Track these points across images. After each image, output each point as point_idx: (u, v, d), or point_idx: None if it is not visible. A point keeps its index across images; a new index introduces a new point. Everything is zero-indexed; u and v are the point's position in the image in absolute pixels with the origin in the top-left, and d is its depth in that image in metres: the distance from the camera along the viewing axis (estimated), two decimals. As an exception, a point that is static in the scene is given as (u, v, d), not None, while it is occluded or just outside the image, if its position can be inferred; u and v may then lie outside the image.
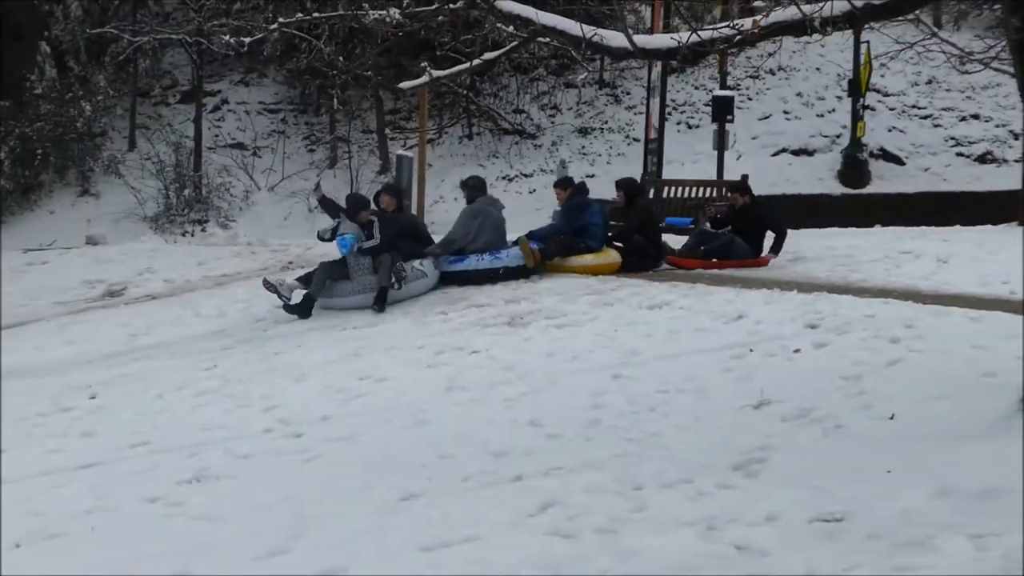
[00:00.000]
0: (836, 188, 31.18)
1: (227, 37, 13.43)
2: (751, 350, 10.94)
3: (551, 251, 16.24)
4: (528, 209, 30.46)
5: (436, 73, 13.88)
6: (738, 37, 8.56)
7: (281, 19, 12.95)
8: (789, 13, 8.39)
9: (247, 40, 12.69)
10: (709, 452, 7.98)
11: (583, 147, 34.39)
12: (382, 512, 7.40)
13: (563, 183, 17.58)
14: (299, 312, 15.23)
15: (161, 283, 19.39)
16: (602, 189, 30.75)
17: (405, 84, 16.86)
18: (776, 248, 16.95)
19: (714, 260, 16.71)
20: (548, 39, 11.50)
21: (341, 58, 31.73)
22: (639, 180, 18.92)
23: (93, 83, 35.65)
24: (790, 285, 13.98)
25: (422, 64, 18.51)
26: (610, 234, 16.96)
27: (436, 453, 8.71)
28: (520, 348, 12.18)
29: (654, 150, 27.06)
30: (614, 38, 9.35)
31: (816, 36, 8.35)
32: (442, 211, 30.84)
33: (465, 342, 12.66)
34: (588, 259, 16.34)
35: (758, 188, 18.97)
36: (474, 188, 17.10)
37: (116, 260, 21.31)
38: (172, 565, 6.67)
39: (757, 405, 9.06)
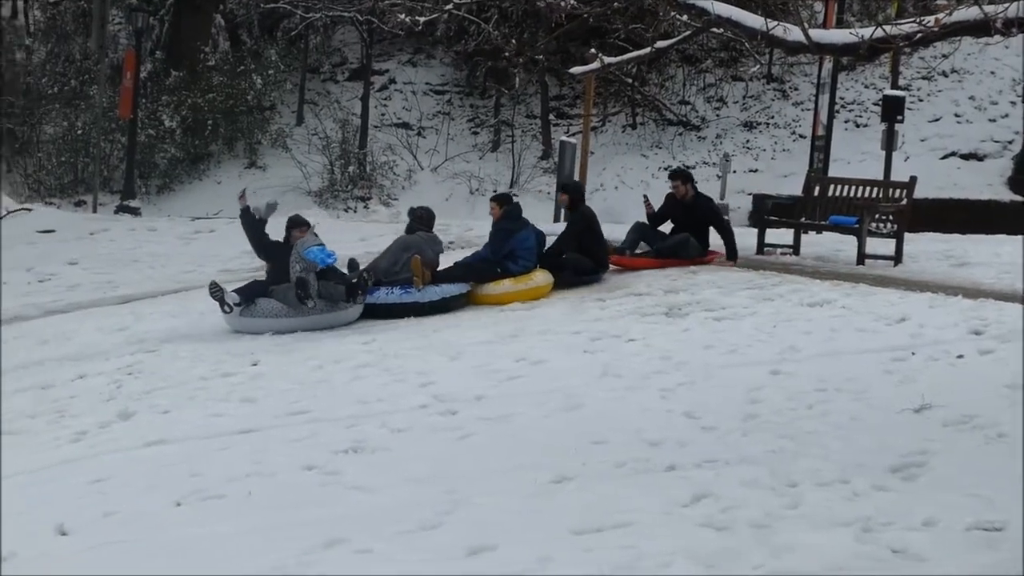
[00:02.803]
0: (1005, 195, 30.47)
1: (403, 16, 13.53)
2: (913, 353, 10.79)
3: (467, 279, 15.40)
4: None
5: (608, 60, 13.85)
6: (919, 35, 8.43)
7: (455, 0, 13.03)
8: (971, 13, 8.24)
9: (422, 20, 12.79)
10: (867, 453, 7.88)
11: (747, 141, 34.11)
12: (534, 493, 7.43)
13: (498, 199, 16.60)
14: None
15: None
16: (766, 184, 30.60)
17: (576, 69, 16.81)
18: (730, 252, 16.64)
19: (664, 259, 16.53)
20: (722, 30, 11.41)
21: (514, 40, 31.83)
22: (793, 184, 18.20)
23: (264, 57, 36.21)
24: (955, 290, 13.73)
25: (590, 51, 18.46)
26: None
27: (589, 438, 8.72)
28: (677, 338, 12.14)
29: (821, 147, 26.79)
30: (789, 32, 9.28)
31: (997, 38, 8.20)
32: (600, 199, 30.82)
33: (622, 330, 12.65)
34: (506, 285, 15.37)
35: (925, 191, 18.56)
36: (419, 219, 16.06)
37: (281, 232, 21.60)
38: (325, 533, 6.74)
39: (918, 409, 8.92)
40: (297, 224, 15.18)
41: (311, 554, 6.38)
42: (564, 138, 27.02)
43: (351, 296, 14.46)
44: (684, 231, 16.72)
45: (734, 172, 30.76)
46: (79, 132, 34.54)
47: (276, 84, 36.66)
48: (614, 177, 33.16)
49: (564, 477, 7.72)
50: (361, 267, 15.25)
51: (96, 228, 23.84)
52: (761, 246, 18.09)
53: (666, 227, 17.18)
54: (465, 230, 21.84)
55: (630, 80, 35.57)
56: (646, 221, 17.32)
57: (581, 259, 15.95)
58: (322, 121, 35.57)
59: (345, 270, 15.10)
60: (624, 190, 32.60)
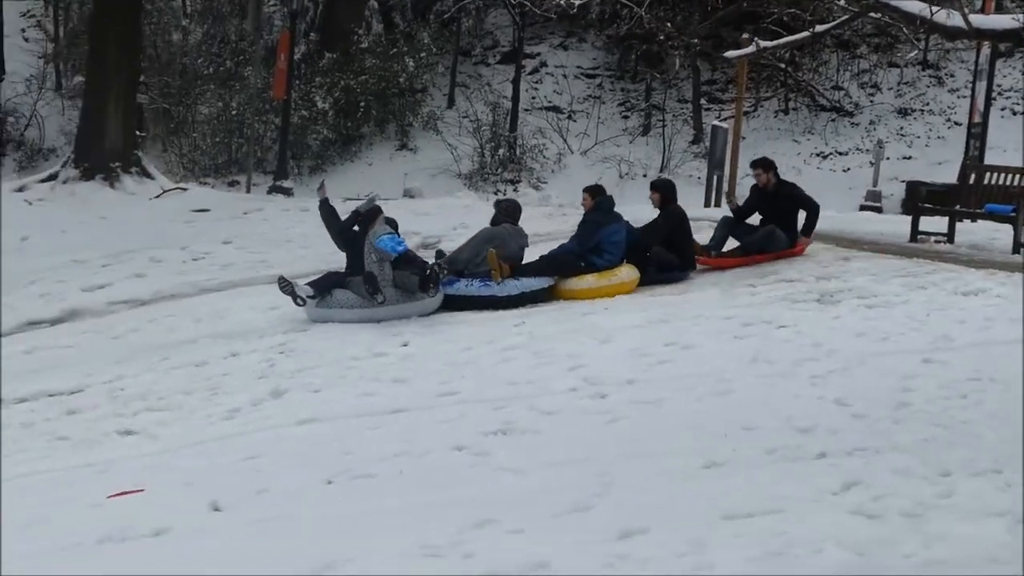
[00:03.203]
0: None
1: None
2: (1070, 343, 10.59)
3: (550, 272, 15.15)
4: (841, 187, 30.05)
5: (764, 44, 13.78)
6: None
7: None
8: None
9: (576, 3, 12.80)
10: (1021, 443, 7.75)
11: (901, 128, 33.64)
12: (685, 478, 7.41)
13: (590, 190, 16.14)
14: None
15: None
16: (919, 172, 30.18)
17: (731, 53, 16.76)
18: (808, 229, 16.11)
19: (751, 255, 16.03)
20: (880, 15, 11.29)
21: (668, 24, 31.73)
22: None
23: (417, 40, 36.44)
24: (1120, 282, 13.45)
25: (743, 35, 18.45)
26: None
27: (740, 424, 8.67)
28: (829, 325, 12.01)
29: (977, 135, 26.30)
30: (950, 16, 9.14)
31: None
32: (750, 185, 30.62)
33: (773, 316, 12.55)
34: (588, 280, 15.10)
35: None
36: (505, 211, 15.74)
37: (432, 213, 21.75)
38: (476, 513, 6.78)
39: (1076, 400, 8.77)
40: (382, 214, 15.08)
41: (463, 533, 6.42)
42: (716, 123, 26.93)
43: (424, 287, 14.19)
44: (770, 222, 16.24)
45: (887, 159, 30.35)
46: (233, 113, 34.99)
47: (428, 67, 36.89)
48: (765, 163, 32.89)
49: (714, 462, 7.69)
50: (437, 258, 15.03)
51: (250, 208, 24.15)
52: (915, 234, 17.80)
53: (755, 219, 16.72)
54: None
55: (783, 65, 35.26)
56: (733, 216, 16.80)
57: (666, 256, 15.66)
58: (473, 104, 35.76)
59: (432, 259, 15.01)
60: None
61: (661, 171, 33.30)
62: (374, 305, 14.22)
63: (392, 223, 15.08)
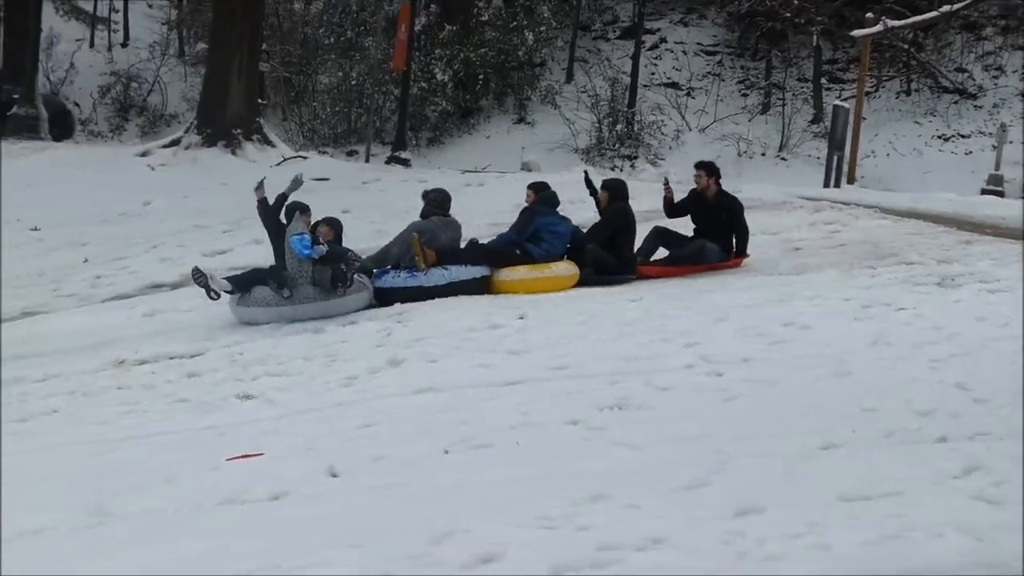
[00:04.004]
0: None
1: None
2: None
3: (483, 262, 14.81)
4: (963, 171, 29.70)
5: (892, 23, 13.62)
6: None
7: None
8: None
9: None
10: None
11: (1026, 111, 33.20)
12: (802, 458, 7.37)
13: (534, 186, 15.87)
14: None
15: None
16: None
17: (858, 32, 16.57)
18: (741, 250, 15.54)
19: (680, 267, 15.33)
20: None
21: (795, 1, 31.47)
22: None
23: (537, 14, 36.44)
24: None
25: (867, 15, 18.24)
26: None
27: (858, 405, 8.59)
28: (949, 309, 11.88)
29: (1102, 119, 25.90)
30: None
31: None
32: (871, 166, 30.35)
33: (892, 298, 12.43)
34: (521, 272, 14.71)
35: None
36: (434, 203, 15.28)
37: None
38: (592, 486, 6.80)
39: None
40: (300, 210, 14.50)
41: (578, 506, 6.44)
42: (837, 102, 26.68)
43: (333, 284, 13.83)
44: (703, 230, 15.60)
45: (1010, 143, 29.95)
46: (353, 83, 35.24)
47: (547, 41, 36.89)
48: (886, 144, 32.61)
49: (832, 443, 7.64)
50: (352, 257, 14.49)
51: (368, 178, 24.33)
52: (1038, 219, 17.58)
53: (687, 225, 16.11)
54: (734, 191, 21.62)
55: (906, 46, 34.84)
56: (663, 208, 16.35)
57: (603, 256, 15.05)
58: (592, 79, 35.73)
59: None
60: (896, 157, 32.06)
61: (780, 150, 33.11)
62: (284, 303, 13.88)
63: (336, 224, 14.97)
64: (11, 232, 20.97)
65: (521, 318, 12.66)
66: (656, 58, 37.76)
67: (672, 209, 16.16)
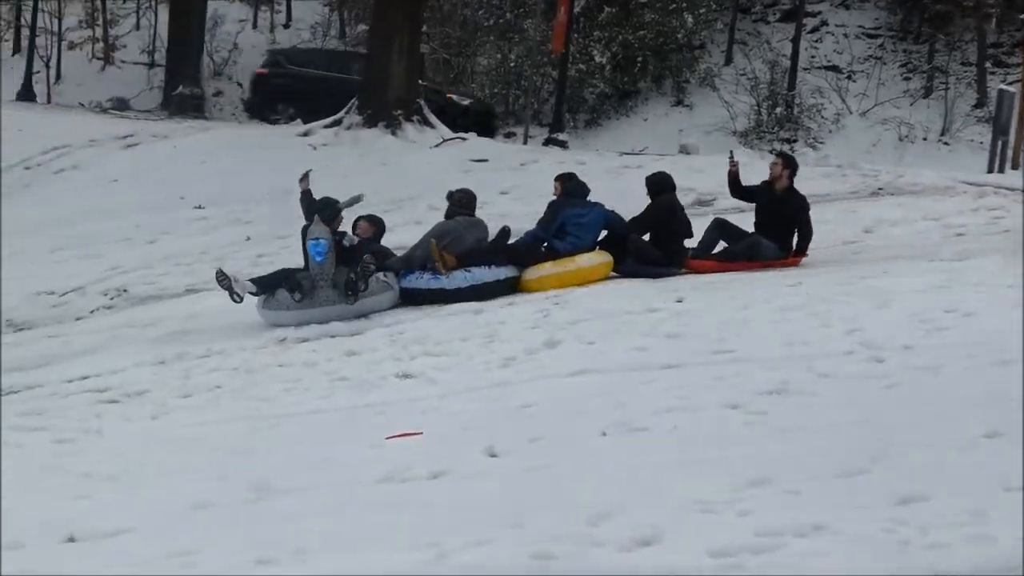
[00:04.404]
0: None
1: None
2: None
3: (507, 262, 14.48)
4: None
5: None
6: None
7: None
8: None
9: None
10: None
11: None
12: (965, 447, 7.23)
13: (560, 177, 15.41)
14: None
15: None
16: None
17: (1027, 14, 16.15)
18: (802, 248, 15.00)
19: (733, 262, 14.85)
20: None
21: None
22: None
23: (697, -4, 36.22)
24: None
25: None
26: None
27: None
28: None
29: None
30: None
31: None
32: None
33: (1060, 287, 12.19)
34: (546, 268, 14.38)
35: None
36: (459, 203, 14.95)
37: (707, 171, 21.60)
38: (751, 471, 6.75)
39: None
40: (321, 214, 14.37)
41: (737, 491, 6.40)
42: (1002, 86, 26.18)
43: (346, 293, 13.68)
44: (763, 224, 15.09)
45: None
46: (511, 65, 35.35)
47: (707, 23, 36.68)
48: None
49: (996, 432, 7.48)
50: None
51: (526, 159, 24.40)
52: None
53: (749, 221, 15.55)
54: (896, 176, 21.36)
55: (1076, 28, 34.10)
56: (728, 184, 15.82)
57: (646, 247, 14.75)
58: (751, 61, 35.45)
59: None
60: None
61: (942, 135, 32.58)
62: (298, 306, 13.77)
63: (378, 223, 15.06)
64: (176, 210, 21.42)
65: (679, 301, 12.61)
66: (816, 41, 37.35)
67: (737, 187, 15.72)
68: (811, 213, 15.10)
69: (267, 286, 14.06)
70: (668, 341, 11.00)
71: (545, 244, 14.71)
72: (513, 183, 21.58)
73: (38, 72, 36.87)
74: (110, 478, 8.52)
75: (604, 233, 14.90)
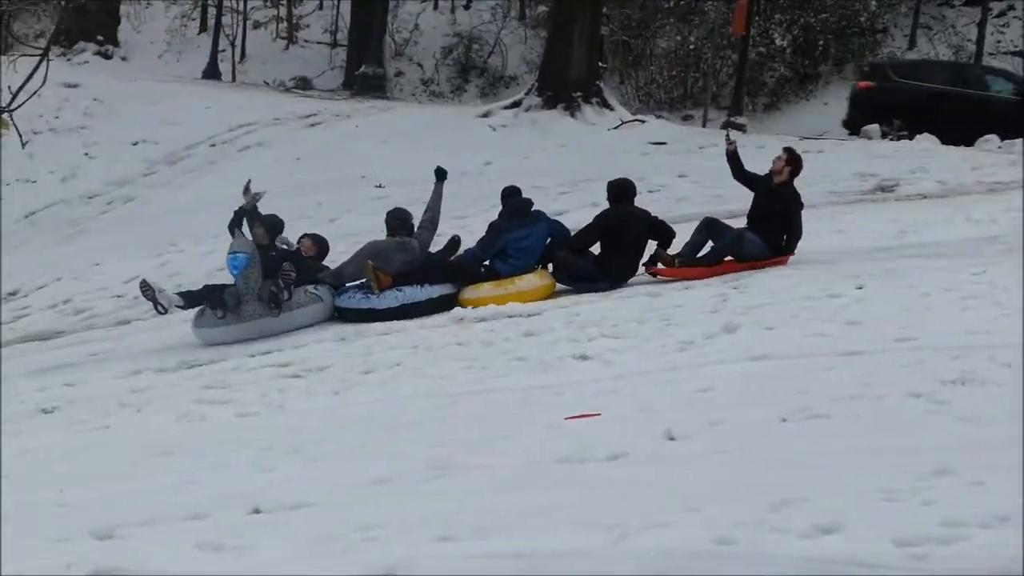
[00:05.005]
0: None
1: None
2: None
3: (445, 280, 14.30)
4: None
5: None
6: None
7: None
8: None
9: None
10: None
11: None
12: None
13: (504, 192, 14.93)
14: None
15: (933, 183, 19.30)
16: None
17: None
18: (790, 247, 14.33)
19: (722, 263, 14.16)
20: None
21: None
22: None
23: (880, -21, 35.67)
24: None
25: None
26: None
27: None
28: None
29: None
30: None
31: None
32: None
33: None
34: (484, 289, 14.10)
35: None
36: (390, 224, 14.81)
37: (889, 156, 21.36)
38: (934, 461, 6.68)
39: None
40: (239, 226, 14.35)
41: (921, 480, 6.34)
42: None
43: (268, 306, 13.62)
44: (755, 219, 14.47)
45: None
46: (691, 47, 35.13)
47: (890, 7, 36.07)
48: None
49: None
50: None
51: (705, 143, 24.26)
52: None
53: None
54: None
55: None
56: (729, 165, 15.04)
57: (571, 262, 14.25)
58: (935, 46, 34.83)
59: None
60: None
61: None
62: (220, 323, 13.73)
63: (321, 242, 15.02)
64: (357, 188, 21.71)
65: (860, 288, 12.45)
66: (1003, 26, 36.54)
67: (739, 170, 14.99)
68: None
69: (194, 301, 14.08)
70: (848, 328, 10.87)
71: (487, 263, 14.51)
72: (691, 166, 21.51)
73: (223, 51, 37.42)
74: (293, 452, 8.68)
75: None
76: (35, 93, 20.10)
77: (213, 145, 26.95)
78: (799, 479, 6.54)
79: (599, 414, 8.80)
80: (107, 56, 36.13)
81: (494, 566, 5.44)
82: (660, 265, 14.27)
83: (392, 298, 13.98)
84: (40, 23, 39.93)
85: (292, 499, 6.99)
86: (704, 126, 29.45)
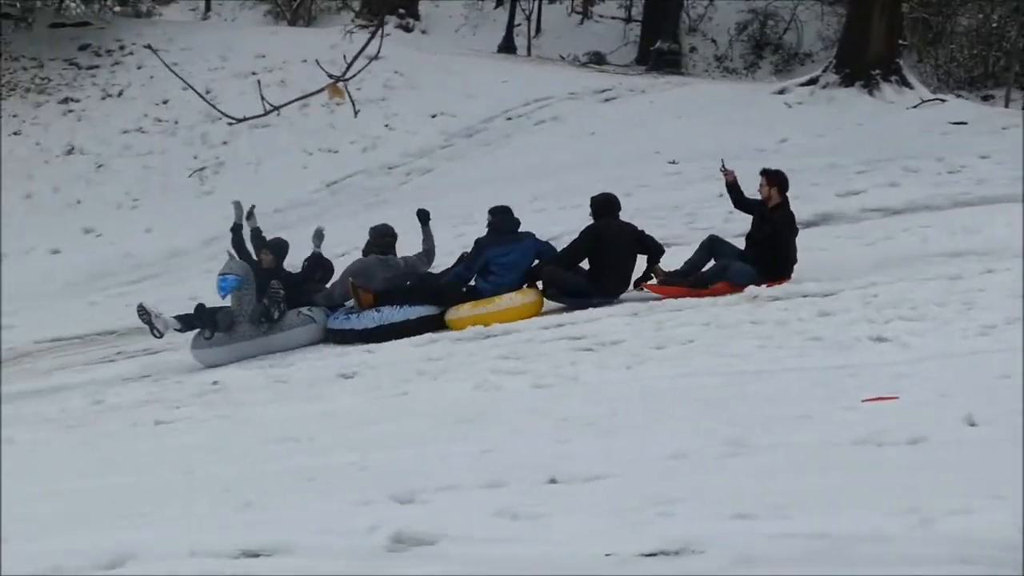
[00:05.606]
0: None
1: None
2: None
3: (426, 301, 14.31)
4: None
5: None
6: None
7: None
8: None
9: None
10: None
11: None
12: None
13: (491, 211, 14.79)
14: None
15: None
16: None
17: None
18: (786, 272, 13.96)
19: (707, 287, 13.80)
20: None
21: None
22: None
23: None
24: None
25: None
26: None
27: None
28: None
29: None
30: None
31: None
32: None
33: None
34: (464, 309, 14.09)
35: None
36: (373, 240, 15.01)
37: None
38: None
39: None
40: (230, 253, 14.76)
41: None
42: None
43: (258, 324, 13.78)
44: (754, 244, 14.22)
45: None
46: (994, 25, 34.22)
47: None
48: None
49: None
50: (275, 288, 14.24)
51: (1008, 123, 23.61)
52: None
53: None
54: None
55: None
56: (728, 195, 14.82)
57: (560, 277, 14.23)
58: None
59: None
60: None
61: None
62: (215, 343, 13.82)
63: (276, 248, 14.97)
64: (651, 164, 21.75)
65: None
66: None
67: (739, 199, 14.77)
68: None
69: (189, 323, 14.25)
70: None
71: (471, 282, 14.61)
72: (994, 147, 20.94)
73: (519, 25, 37.78)
74: (587, 424, 8.78)
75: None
76: (373, 59, 20.63)
77: (509, 119, 27.30)
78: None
79: (897, 397, 8.67)
80: (408, 29, 36.89)
81: (792, 546, 5.41)
82: (653, 281, 14.29)
83: (369, 319, 14.16)
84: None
85: (588, 471, 7.06)
86: (1007, 106, 28.66)
